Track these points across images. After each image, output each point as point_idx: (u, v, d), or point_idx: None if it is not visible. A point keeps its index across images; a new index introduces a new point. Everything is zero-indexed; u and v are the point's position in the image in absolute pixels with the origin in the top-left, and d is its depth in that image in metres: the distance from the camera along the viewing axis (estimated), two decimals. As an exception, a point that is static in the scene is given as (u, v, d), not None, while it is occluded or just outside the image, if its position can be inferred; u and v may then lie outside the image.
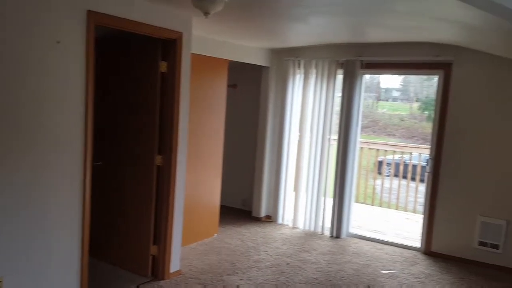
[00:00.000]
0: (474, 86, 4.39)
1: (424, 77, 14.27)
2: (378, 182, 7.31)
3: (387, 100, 22.61)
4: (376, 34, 4.32)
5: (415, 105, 20.41)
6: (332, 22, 3.84)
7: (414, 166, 6.70)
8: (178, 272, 3.86)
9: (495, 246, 4.34)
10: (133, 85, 3.78)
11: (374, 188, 7.12)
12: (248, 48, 5.15)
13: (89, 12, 2.87)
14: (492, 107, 4.32)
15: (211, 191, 4.86)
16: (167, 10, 3.41)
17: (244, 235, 5.04)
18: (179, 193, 3.75)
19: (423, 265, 4.40)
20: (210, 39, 4.57)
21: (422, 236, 4.77)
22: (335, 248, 4.79)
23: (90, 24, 2.88)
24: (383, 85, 22.42)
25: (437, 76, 4.64)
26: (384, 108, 21.56)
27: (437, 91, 4.61)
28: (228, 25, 4.00)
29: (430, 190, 4.66)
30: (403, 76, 19.18)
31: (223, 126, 4.88)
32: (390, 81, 23.08)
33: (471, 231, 4.46)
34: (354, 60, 4.91)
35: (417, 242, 4.85)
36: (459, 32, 3.75)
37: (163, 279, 3.74)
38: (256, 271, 4.05)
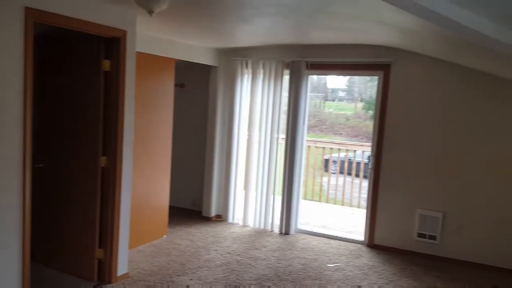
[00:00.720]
0: (411, 86, 4.65)
1: (368, 78, 14.83)
2: (325, 179, 7.54)
3: (333, 100, 23.23)
4: (320, 36, 4.46)
5: (360, 105, 21.14)
6: (277, 23, 3.92)
7: (358, 163, 6.97)
8: (125, 275, 3.78)
9: (433, 237, 4.62)
10: (75, 84, 3.67)
11: (321, 185, 7.33)
12: (196, 47, 5.14)
13: (27, 9, 2.75)
14: (428, 106, 4.60)
15: (160, 192, 4.81)
16: (110, 8, 3.34)
17: (194, 235, 5.02)
18: (125, 195, 3.68)
19: (366, 258, 4.60)
20: (156, 38, 4.52)
21: (365, 230, 4.98)
22: (284, 244, 4.89)
23: (28, 21, 2.77)
24: (329, 85, 23.04)
25: (377, 77, 4.86)
26: (331, 108, 22.14)
27: (377, 91, 4.83)
28: (175, 24, 3.98)
29: (372, 186, 4.89)
30: (348, 77, 19.81)
31: (171, 126, 4.84)
32: (336, 82, 23.76)
33: (410, 223, 4.72)
34: (300, 61, 5.03)
35: (361, 236, 5.06)
36: (397, 35, 3.96)
37: (110, 282, 3.65)
38: (207, 270, 4.05)
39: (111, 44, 3.49)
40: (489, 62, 3.81)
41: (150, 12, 2.69)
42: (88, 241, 3.66)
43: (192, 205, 5.97)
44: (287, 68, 5.16)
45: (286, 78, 5.20)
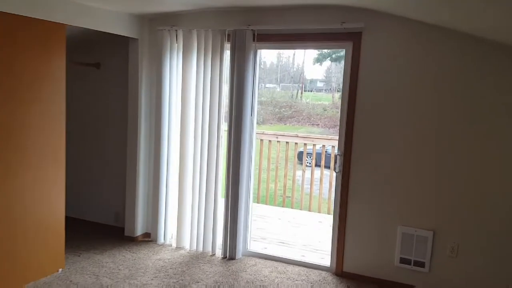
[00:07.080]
0: (389, 61, 3.42)
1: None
2: (290, 182, 6.33)
3: (311, 91, 22.69)
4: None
5: (337, 95, 20.58)
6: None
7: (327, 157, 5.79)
8: None
9: (421, 264, 3.45)
10: None
11: (285, 188, 6.09)
12: (103, 11, 3.80)
13: None
14: (411, 88, 3.39)
15: (49, 207, 3.45)
16: None
17: (103, 267, 3.72)
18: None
19: (332, 295, 3.41)
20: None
21: (332, 253, 3.78)
22: (225, 276, 3.65)
23: None
24: (307, 76, 22.52)
25: (344, 50, 3.63)
26: (308, 99, 21.53)
27: (345, 68, 3.59)
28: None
29: (340, 195, 3.67)
30: (326, 67, 19.01)
31: (63, 119, 3.48)
32: (315, 72, 23.36)
33: (390, 245, 3.53)
34: (244, 29, 3.77)
35: (327, 259, 3.85)
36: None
37: None
38: (100, 326, 2.79)
39: None
40: (494, 20, 2.61)
41: None
42: None
43: (115, 220, 4.66)
44: (229, 40, 3.90)
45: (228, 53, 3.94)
